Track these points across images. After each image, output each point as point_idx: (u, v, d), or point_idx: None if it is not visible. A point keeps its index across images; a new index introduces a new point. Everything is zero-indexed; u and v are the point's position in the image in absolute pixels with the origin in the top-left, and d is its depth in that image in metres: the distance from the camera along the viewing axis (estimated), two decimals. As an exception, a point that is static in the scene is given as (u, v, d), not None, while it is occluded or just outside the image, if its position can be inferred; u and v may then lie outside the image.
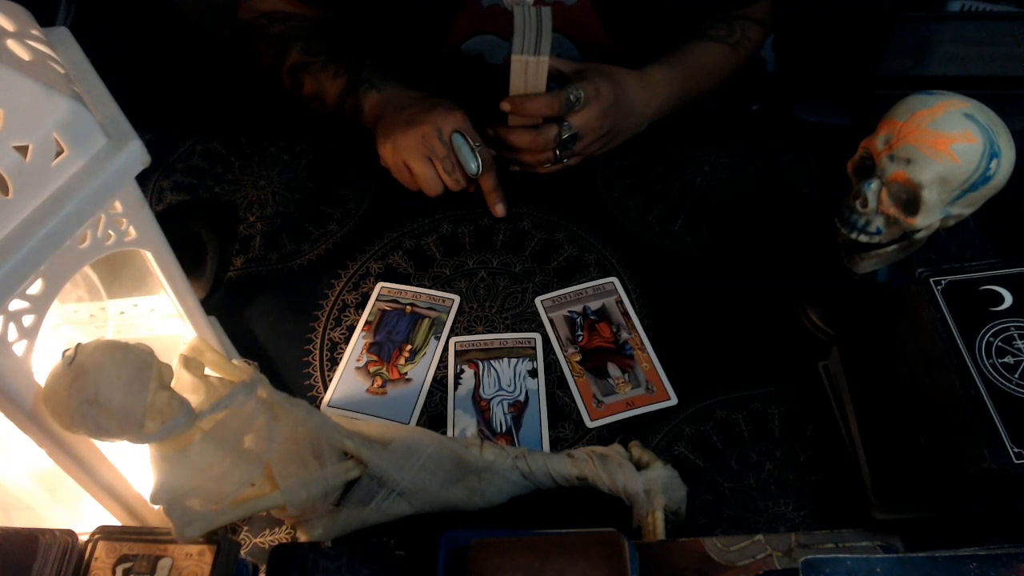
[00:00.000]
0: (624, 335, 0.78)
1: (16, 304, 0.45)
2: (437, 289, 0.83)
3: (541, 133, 0.82)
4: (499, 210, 0.88)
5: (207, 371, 0.61)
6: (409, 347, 0.78)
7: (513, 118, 0.83)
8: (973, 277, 0.63)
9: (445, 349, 0.78)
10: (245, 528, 0.67)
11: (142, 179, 0.61)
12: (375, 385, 0.76)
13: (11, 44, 0.46)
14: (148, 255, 0.56)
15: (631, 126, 0.89)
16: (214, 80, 1.12)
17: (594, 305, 0.81)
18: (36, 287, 0.46)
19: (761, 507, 0.66)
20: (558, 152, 0.84)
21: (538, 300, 0.82)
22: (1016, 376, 0.57)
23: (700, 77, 0.94)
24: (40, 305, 0.47)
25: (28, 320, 0.46)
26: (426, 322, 0.80)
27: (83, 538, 0.55)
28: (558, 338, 0.79)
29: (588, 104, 0.82)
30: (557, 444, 0.71)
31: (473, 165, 0.82)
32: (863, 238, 0.68)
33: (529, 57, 0.76)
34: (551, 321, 0.80)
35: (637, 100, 0.88)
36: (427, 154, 0.83)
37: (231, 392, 0.56)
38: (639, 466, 0.65)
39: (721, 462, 0.69)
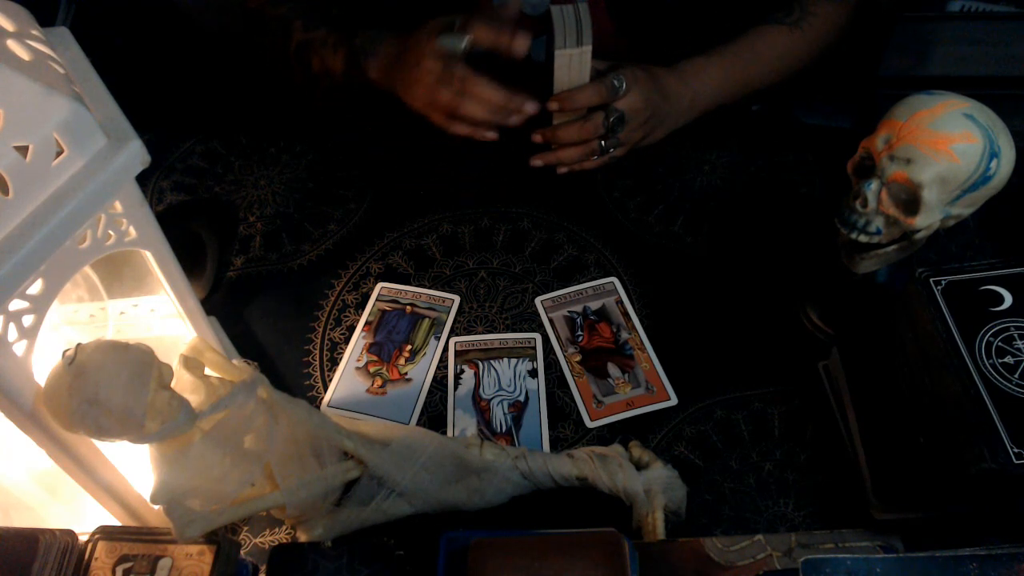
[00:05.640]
0: (624, 335, 0.78)
1: (16, 304, 0.45)
2: (437, 289, 0.83)
3: (588, 120, 0.81)
4: (519, 44, 0.76)
5: (207, 371, 0.61)
6: (409, 347, 0.78)
7: (558, 116, 0.82)
8: (973, 277, 0.63)
9: (445, 349, 0.78)
10: (245, 528, 0.67)
11: (142, 179, 0.61)
12: (375, 385, 0.76)
13: (11, 44, 0.46)
14: (148, 255, 0.56)
15: (672, 115, 0.88)
16: (214, 80, 1.12)
17: (594, 305, 0.81)
18: (36, 287, 0.46)
19: (761, 507, 0.66)
20: (604, 143, 0.84)
21: (538, 300, 0.82)
22: (1016, 376, 0.57)
23: (752, 63, 0.90)
24: (40, 305, 0.47)
25: (28, 320, 0.46)
26: (426, 322, 0.80)
27: (83, 538, 0.55)
28: (558, 338, 0.79)
29: (631, 88, 0.82)
30: (557, 444, 0.71)
31: (461, 43, 0.76)
32: (863, 238, 0.68)
33: (572, 50, 0.76)
34: (551, 321, 0.80)
35: (672, 88, 0.86)
36: (436, 81, 0.79)
37: (231, 392, 0.56)
38: (639, 466, 0.65)
39: (721, 462, 0.69)
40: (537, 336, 0.79)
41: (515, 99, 0.78)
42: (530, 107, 0.79)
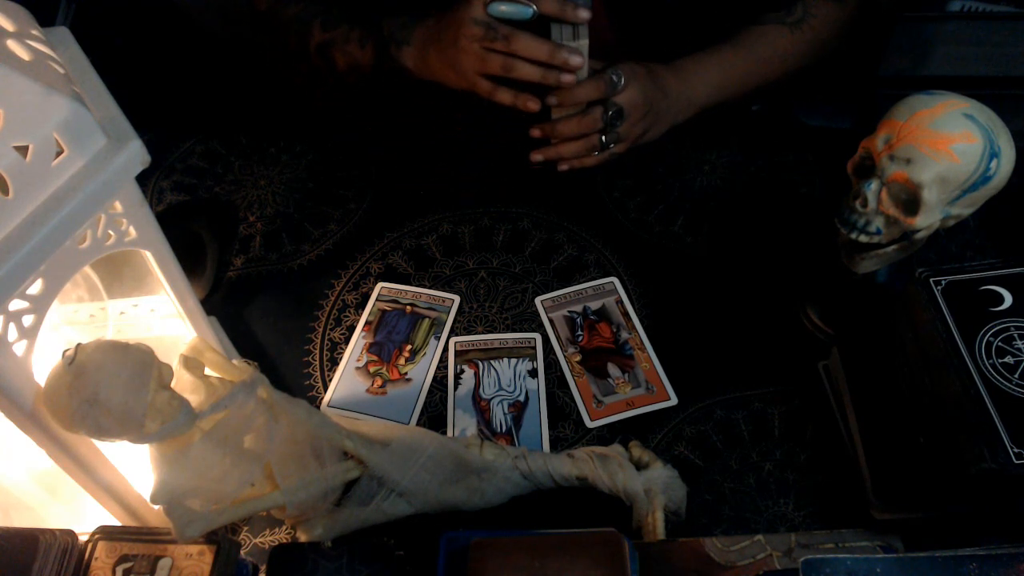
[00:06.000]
0: (624, 335, 0.78)
1: (16, 304, 0.45)
2: (437, 289, 0.83)
3: (587, 114, 0.81)
4: (583, 13, 0.78)
5: (207, 371, 0.61)
6: (409, 347, 0.78)
7: (557, 111, 0.82)
8: (973, 277, 0.63)
9: (445, 349, 0.78)
10: (245, 528, 0.67)
11: (142, 179, 0.61)
12: (375, 385, 0.76)
13: (11, 44, 0.46)
14: (148, 255, 0.56)
15: (671, 110, 0.88)
16: (214, 80, 1.12)
17: (594, 305, 0.81)
18: (36, 287, 0.46)
19: (761, 507, 0.66)
20: (604, 138, 0.84)
21: (538, 300, 0.82)
22: (1016, 376, 0.57)
23: (752, 63, 0.90)
24: (40, 305, 0.47)
25: (28, 320, 0.46)
26: (426, 322, 0.80)
27: (83, 538, 0.55)
28: (558, 338, 0.79)
29: (629, 83, 0.82)
30: (557, 444, 0.71)
31: (528, 10, 0.77)
32: (863, 238, 0.68)
33: (569, 44, 0.76)
34: (551, 321, 0.80)
35: (671, 85, 0.86)
36: (482, 50, 0.78)
37: (231, 392, 0.56)
38: (639, 466, 0.65)
39: (721, 462, 0.69)
40: (537, 336, 0.79)
41: (560, 52, 0.77)
42: (575, 60, 0.77)
